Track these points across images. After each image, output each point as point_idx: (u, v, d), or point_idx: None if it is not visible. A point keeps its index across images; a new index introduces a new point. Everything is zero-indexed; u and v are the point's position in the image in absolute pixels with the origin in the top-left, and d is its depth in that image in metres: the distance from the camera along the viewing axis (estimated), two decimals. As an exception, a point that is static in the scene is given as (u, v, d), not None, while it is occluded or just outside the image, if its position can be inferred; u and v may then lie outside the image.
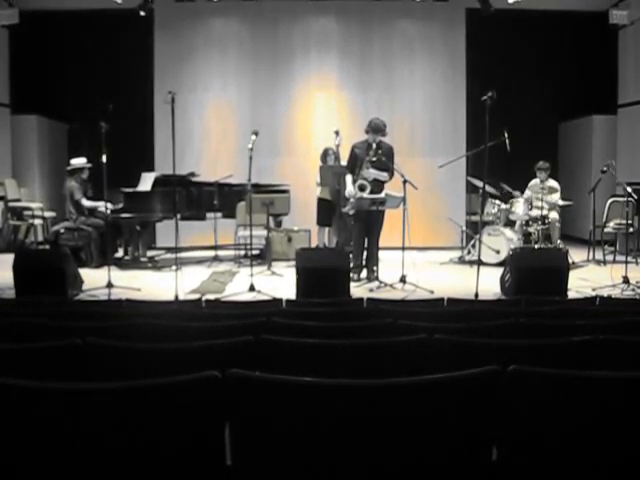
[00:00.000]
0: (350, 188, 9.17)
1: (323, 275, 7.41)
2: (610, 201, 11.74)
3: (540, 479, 2.37)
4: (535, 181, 11.21)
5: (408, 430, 2.23)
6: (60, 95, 13.79)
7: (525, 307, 5.35)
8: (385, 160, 9.07)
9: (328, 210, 10.78)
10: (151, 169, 12.09)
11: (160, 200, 10.37)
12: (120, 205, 10.41)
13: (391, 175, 9.14)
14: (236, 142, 13.00)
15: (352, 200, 9.09)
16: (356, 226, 9.31)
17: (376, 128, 9.11)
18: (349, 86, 13.76)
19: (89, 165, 10.73)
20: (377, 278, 8.85)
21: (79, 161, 10.81)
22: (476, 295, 7.35)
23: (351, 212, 9.20)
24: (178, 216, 8.74)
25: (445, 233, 13.12)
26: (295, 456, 2.24)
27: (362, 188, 9.02)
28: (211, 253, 11.42)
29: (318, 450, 2.22)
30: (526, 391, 2.37)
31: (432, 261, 11.30)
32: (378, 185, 9.10)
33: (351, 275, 8.26)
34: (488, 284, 8.03)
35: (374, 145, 9.09)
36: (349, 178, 9.28)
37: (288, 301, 5.74)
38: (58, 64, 13.63)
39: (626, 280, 8.17)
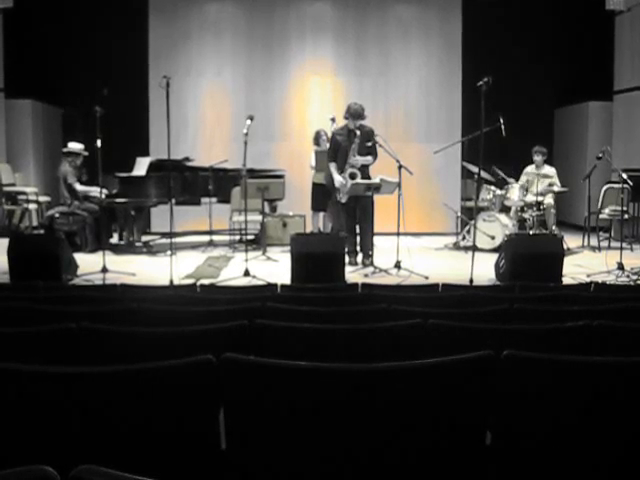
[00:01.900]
0: (339, 178, 9.16)
1: (318, 260, 7.42)
2: (605, 187, 11.73)
3: (534, 464, 2.38)
4: (530, 167, 11.22)
5: (402, 414, 2.24)
6: (55, 79, 13.72)
7: (520, 293, 5.36)
8: (369, 145, 9.11)
9: (323, 195, 10.75)
10: (146, 154, 12.05)
11: (155, 185, 10.35)
12: (115, 190, 10.39)
13: (375, 157, 9.18)
14: (231, 127, 12.98)
15: (344, 189, 9.07)
16: (344, 213, 9.31)
17: (355, 114, 9.14)
18: (344, 71, 13.72)
19: (85, 153, 10.69)
20: (372, 264, 8.86)
21: (77, 146, 10.77)
22: (471, 281, 7.36)
23: (344, 199, 9.17)
24: (173, 201, 8.73)
25: (440, 219, 13.13)
26: (290, 440, 2.25)
27: (353, 176, 9.02)
28: (206, 238, 11.41)
29: (312, 434, 2.23)
30: (520, 376, 2.38)
31: (427, 247, 11.30)
32: (363, 170, 9.14)
33: (347, 260, 8.28)
34: (483, 270, 8.03)
35: (358, 132, 9.09)
36: (333, 167, 9.28)
37: (283, 286, 5.74)
38: (53, 48, 13.54)
39: (621, 266, 8.18)
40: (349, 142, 9.11)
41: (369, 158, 9.16)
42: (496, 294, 5.26)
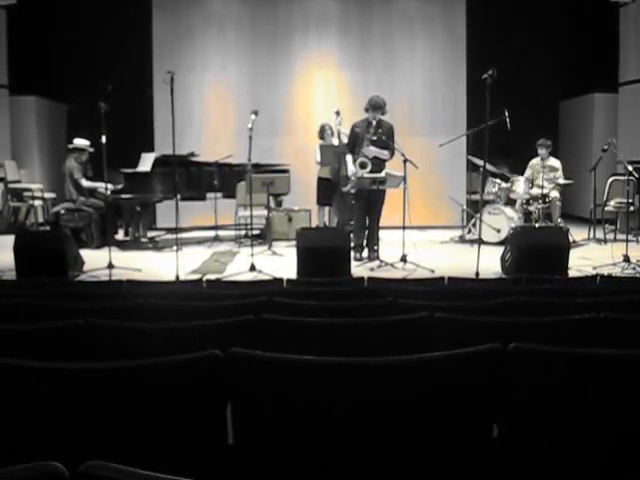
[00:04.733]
0: (351, 167, 9.15)
1: (324, 255, 7.41)
2: (611, 180, 11.71)
3: (540, 456, 2.38)
4: (536, 160, 11.19)
5: (409, 408, 2.24)
6: (59, 76, 13.72)
7: (526, 285, 5.36)
8: (385, 139, 9.05)
9: (328, 189, 10.76)
10: (151, 149, 12.04)
11: (160, 180, 10.36)
12: (120, 186, 10.40)
13: (392, 154, 9.12)
14: (236, 122, 12.97)
15: (353, 179, 9.08)
16: (357, 205, 9.30)
17: (376, 105, 9.08)
18: (349, 65, 13.71)
19: (91, 149, 10.69)
20: (378, 257, 8.86)
21: (82, 142, 10.78)
22: (477, 274, 7.36)
23: (352, 191, 9.18)
24: (178, 196, 8.73)
25: (446, 212, 13.11)
26: (297, 435, 2.25)
27: (363, 166, 8.99)
28: (211, 233, 11.43)
29: (320, 428, 2.23)
30: (527, 368, 2.38)
31: (433, 240, 11.30)
32: (378, 164, 9.08)
33: (352, 254, 8.27)
34: (489, 263, 8.03)
35: (374, 123, 9.06)
36: (349, 157, 9.26)
37: (289, 281, 5.75)
38: (57, 45, 13.54)
39: (627, 259, 8.17)
40: (367, 134, 9.08)
41: (385, 152, 9.09)
42: (502, 287, 5.26)
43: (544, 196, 10.71)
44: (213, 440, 2.31)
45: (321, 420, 2.23)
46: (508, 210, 10.68)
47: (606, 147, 10.01)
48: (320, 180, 11.09)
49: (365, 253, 9.23)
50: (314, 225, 11.39)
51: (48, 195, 12.73)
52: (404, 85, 13.72)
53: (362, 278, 5.73)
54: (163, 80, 7.95)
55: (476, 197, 11.40)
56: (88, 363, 2.36)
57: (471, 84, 12.93)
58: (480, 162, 10.09)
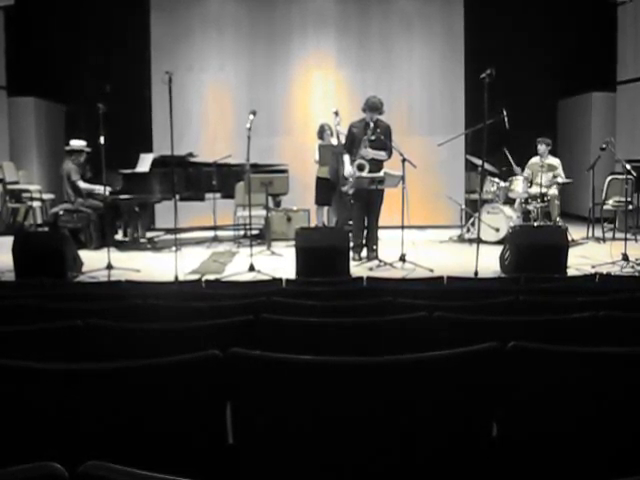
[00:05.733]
0: (349, 168, 9.14)
1: (322, 254, 7.41)
2: (609, 178, 11.72)
3: (539, 455, 2.38)
4: (535, 159, 11.18)
5: (408, 407, 2.24)
6: (57, 77, 13.70)
7: (525, 284, 5.36)
8: (383, 139, 9.04)
9: (327, 189, 10.76)
10: (149, 150, 12.05)
11: (159, 181, 10.36)
12: (118, 187, 10.39)
13: (389, 154, 9.12)
14: (234, 122, 12.96)
15: (351, 180, 9.08)
16: (356, 205, 9.29)
17: (373, 106, 9.07)
18: (347, 65, 13.70)
19: (88, 150, 10.69)
20: (377, 257, 8.86)
21: (79, 143, 10.77)
22: (476, 273, 7.36)
23: (350, 191, 9.18)
24: (177, 197, 8.73)
25: (444, 212, 13.11)
26: (297, 435, 2.25)
27: (361, 168, 8.99)
28: (210, 234, 11.42)
29: (319, 428, 2.23)
30: (526, 367, 2.38)
31: (431, 240, 11.30)
32: (376, 164, 9.07)
33: (352, 254, 8.27)
34: (488, 262, 8.03)
35: (372, 124, 9.05)
36: (347, 158, 9.25)
37: (288, 281, 5.75)
38: (55, 45, 13.51)
39: (625, 257, 8.16)
40: (364, 134, 9.07)
41: (382, 153, 9.08)
42: (501, 286, 5.27)
43: (543, 195, 10.70)
44: (213, 440, 2.31)
45: (320, 420, 2.23)
46: (507, 209, 10.68)
47: (604, 146, 10.02)
48: (319, 180, 11.09)
49: (364, 253, 9.22)
50: (313, 225, 11.40)
51: (47, 196, 12.72)
52: (402, 85, 13.72)
53: (361, 278, 5.73)
54: (161, 80, 7.95)
55: (475, 196, 11.38)
56: (87, 364, 2.36)
57: (469, 83, 12.93)
58: (478, 161, 10.09)
